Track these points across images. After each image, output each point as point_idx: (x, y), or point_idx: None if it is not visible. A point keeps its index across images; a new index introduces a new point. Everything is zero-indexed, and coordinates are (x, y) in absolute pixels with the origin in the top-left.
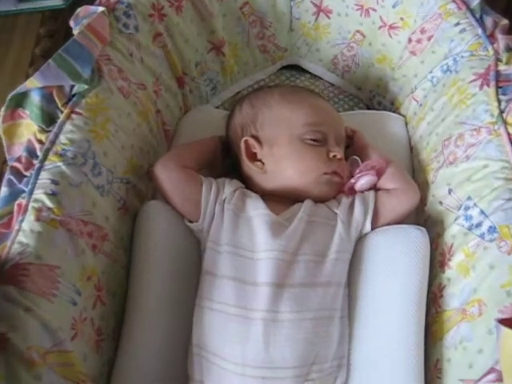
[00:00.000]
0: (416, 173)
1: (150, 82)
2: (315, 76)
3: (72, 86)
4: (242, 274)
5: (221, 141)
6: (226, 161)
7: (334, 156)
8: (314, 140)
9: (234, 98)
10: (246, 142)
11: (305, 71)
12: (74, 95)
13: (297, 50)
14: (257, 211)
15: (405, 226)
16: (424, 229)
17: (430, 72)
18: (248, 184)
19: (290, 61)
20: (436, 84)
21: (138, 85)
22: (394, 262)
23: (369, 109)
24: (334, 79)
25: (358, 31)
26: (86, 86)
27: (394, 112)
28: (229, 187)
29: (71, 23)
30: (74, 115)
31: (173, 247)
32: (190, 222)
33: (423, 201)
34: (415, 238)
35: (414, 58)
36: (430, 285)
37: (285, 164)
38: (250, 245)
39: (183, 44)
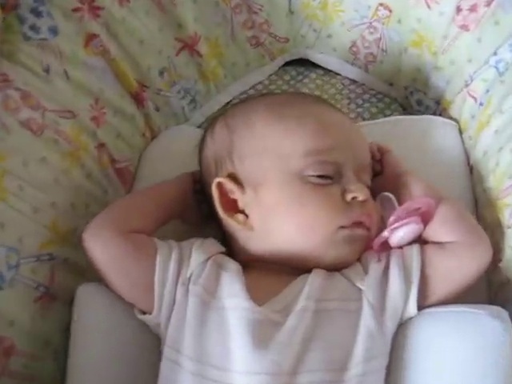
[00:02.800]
0: (480, 207)
1: (83, 105)
2: (330, 71)
3: None
4: None
5: (195, 179)
6: (204, 207)
7: (355, 198)
8: (321, 176)
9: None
10: (219, 185)
11: (316, 66)
12: None
13: (302, 39)
14: (233, 300)
15: (471, 309)
16: (505, 313)
17: (494, 54)
18: (231, 244)
19: (294, 54)
20: (504, 71)
21: (62, 112)
22: (456, 367)
23: (405, 111)
24: (356, 74)
25: (381, 5)
26: None
27: (440, 115)
28: (197, 256)
29: None
30: None
31: (118, 353)
32: (143, 312)
33: (495, 254)
34: (491, 331)
35: (466, 35)
36: None
37: (278, 217)
38: (222, 361)
39: (137, 46)
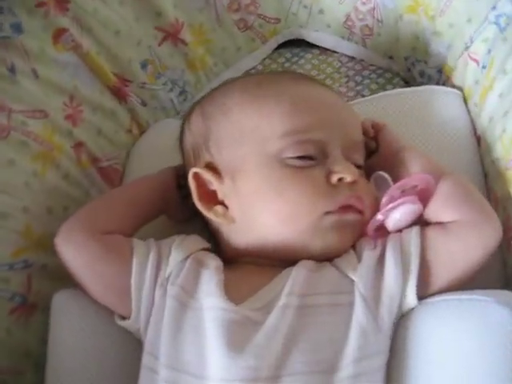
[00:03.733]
0: (490, 180)
1: (55, 104)
2: (327, 50)
3: None
4: None
5: (179, 173)
6: (189, 202)
7: (341, 179)
8: (302, 158)
9: None
10: (195, 175)
11: (312, 46)
12: None
13: (293, 18)
14: (210, 300)
15: (477, 296)
16: None
17: (493, 8)
18: (216, 239)
19: (287, 35)
20: (505, 27)
21: (31, 112)
22: (460, 358)
23: (407, 83)
24: (353, 49)
25: None
26: None
27: (444, 85)
28: (177, 254)
29: None
30: None
31: (96, 362)
32: (123, 317)
33: (508, 231)
34: (497, 319)
35: None
36: None
37: (257, 206)
38: (199, 368)
39: (112, 38)
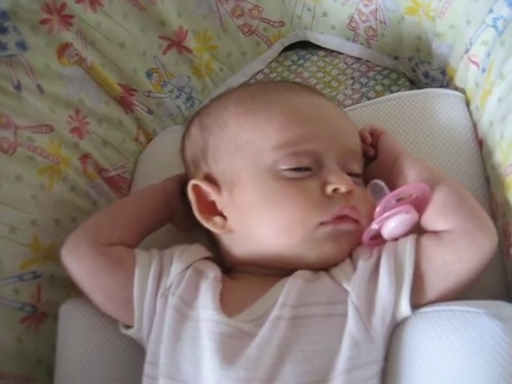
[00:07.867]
0: (491, 186)
1: (61, 118)
2: (332, 52)
3: None
4: None
5: (183, 181)
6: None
7: (336, 190)
8: (296, 169)
9: None
10: (195, 187)
11: (319, 47)
12: None
13: (298, 21)
14: (206, 311)
15: (468, 307)
16: (510, 310)
17: (490, 11)
18: (217, 249)
19: (293, 38)
20: (503, 30)
21: (37, 128)
22: (449, 371)
23: (412, 85)
24: (359, 50)
25: None
26: None
27: (447, 86)
28: (178, 264)
29: None
30: None
31: (102, 371)
32: (127, 326)
33: (508, 238)
34: (487, 332)
35: None
36: None
37: (253, 218)
38: (194, 378)
39: (117, 50)
